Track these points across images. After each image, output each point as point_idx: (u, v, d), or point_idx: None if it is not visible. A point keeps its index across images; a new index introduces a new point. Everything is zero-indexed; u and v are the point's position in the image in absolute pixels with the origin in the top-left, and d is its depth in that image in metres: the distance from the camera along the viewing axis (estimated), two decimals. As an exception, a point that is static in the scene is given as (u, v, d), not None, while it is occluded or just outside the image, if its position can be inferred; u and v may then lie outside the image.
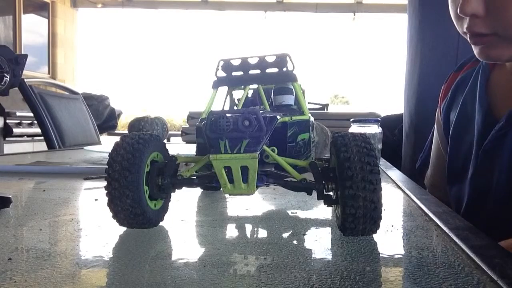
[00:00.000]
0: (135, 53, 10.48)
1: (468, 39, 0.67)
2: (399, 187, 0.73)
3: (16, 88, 0.67)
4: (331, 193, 0.43)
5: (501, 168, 0.68)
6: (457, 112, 0.80)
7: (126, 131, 2.52)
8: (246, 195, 0.42)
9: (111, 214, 0.42)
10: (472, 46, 0.68)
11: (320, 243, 0.41)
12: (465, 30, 0.66)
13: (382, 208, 0.39)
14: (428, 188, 0.93)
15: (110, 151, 0.42)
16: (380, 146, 1.03)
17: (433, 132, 0.94)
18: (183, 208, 0.56)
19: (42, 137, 1.89)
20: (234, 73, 0.52)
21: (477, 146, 0.72)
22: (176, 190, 0.45)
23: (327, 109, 2.70)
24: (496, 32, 0.63)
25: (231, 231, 0.46)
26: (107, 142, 2.26)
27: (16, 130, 3.50)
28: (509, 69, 0.72)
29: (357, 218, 0.38)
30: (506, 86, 0.72)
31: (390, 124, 1.74)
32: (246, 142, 0.39)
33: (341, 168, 0.38)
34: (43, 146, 1.98)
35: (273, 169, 0.44)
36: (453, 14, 0.69)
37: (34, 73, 5.21)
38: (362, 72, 10.36)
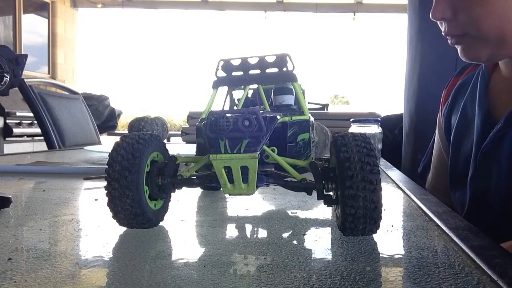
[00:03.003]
0: (135, 53, 10.49)
1: (450, 43, 0.70)
2: (399, 187, 0.73)
3: (16, 88, 0.67)
4: (331, 193, 0.43)
5: (500, 169, 0.68)
6: (458, 116, 0.80)
7: (126, 131, 2.52)
8: (246, 195, 0.42)
9: (111, 214, 0.42)
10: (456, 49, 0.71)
11: (320, 243, 0.41)
12: (443, 34, 0.69)
13: (382, 208, 0.39)
14: (430, 192, 0.94)
15: (110, 151, 0.42)
16: (380, 146, 1.03)
17: (435, 136, 0.94)
18: (183, 208, 0.56)
19: (42, 137, 1.88)
20: (234, 73, 0.52)
21: (476, 148, 0.72)
22: (176, 190, 0.45)
23: (327, 109, 2.70)
24: (467, 32, 0.66)
25: (231, 231, 0.46)
26: (107, 142, 2.26)
27: (16, 130, 3.50)
28: (505, 73, 0.73)
29: (357, 218, 0.38)
30: (504, 90, 0.72)
31: (390, 124, 1.74)
32: (246, 142, 0.39)
33: (341, 168, 0.38)
34: (43, 146, 1.98)
35: (273, 169, 0.44)
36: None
37: (34, 73, 5.21)
38: (362, 72, 10.37)
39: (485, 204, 0.71)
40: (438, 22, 0.70)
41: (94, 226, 0.46)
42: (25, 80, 1.86)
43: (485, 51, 0.67)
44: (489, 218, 0.70)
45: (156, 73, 10.28)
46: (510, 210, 0.66)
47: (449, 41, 0.70)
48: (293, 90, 0.54)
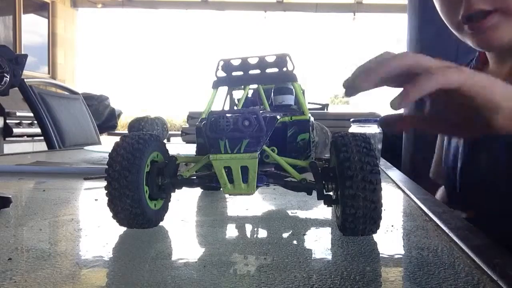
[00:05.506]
0: (135, 53, 10.48)
1: (467, 28, 0.65)
2: (399, 187, 0.73)
3: (16, 88, 0.67)
4: (331, 193, 0.43)
5: (489, 158, 0.71)
6: None
7: (126, 131, 2.52)
8: (246, 195, 0.42)
9: (111, 214, 0.42)
10: (471, 37, 0.67)
11: (320, 243, 0.41)
12: (460, 17, 0.65)
13: (382, 208, 0.39)
14: (432, 178, 0.96)
15: (110, 151, 0.42)
16: (380, 146, 1.03)
17: None
18: (183, 208, 0.56)
19: (42, 137, 1.88)
20: (234, 73, 0.52)
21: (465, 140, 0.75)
22: (176, 190, 0.45)
23: (327, 109, 2.70)
24: (497, 8, 0.62)
25: (231, 231, 0.46)
26: (107, 142, 2.26)
27: (16, 130, 3.50)
28: (493, 69, 0.74)
29: (357, 218, 0.38)
30: None
31: (390, 124, 1.73)
32: (246, 142, 0.39)
33: (341, 168, 0.38)
34: (43, 146, 1.98)
35: (273, 169, 0.44)
36: (446, 7, 0.68)
37: (34, 73, 5.21)
38: (362, 72, 10.34)
39: (475, 194, 0.74)
40: (446, 12, 0.67)
41: (94, 226, 0.46)
42: (25, 80, 1.86)
43: (510, 32, 0.62)
44: (475, 206, 0.73)
45: (156, 73, 10.28)
46: (501, 198, 0.68)
47: (464, 27, 0.65)
48: (293, 90, 0.54)
